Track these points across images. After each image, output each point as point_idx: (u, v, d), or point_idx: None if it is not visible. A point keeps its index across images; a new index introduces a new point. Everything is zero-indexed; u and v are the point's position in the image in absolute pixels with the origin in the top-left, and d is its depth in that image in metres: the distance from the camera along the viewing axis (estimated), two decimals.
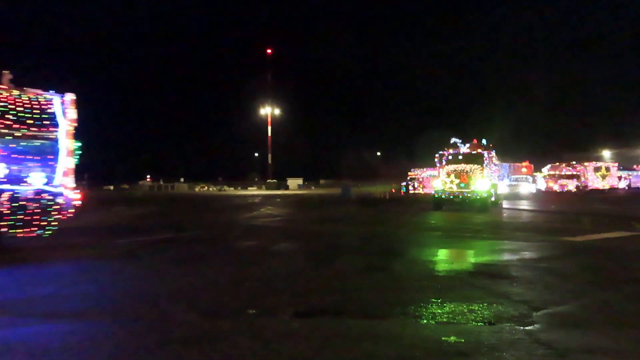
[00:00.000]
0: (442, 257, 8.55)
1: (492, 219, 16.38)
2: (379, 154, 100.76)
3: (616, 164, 46.25)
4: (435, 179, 21.46)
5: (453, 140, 21.82)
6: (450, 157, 21.23)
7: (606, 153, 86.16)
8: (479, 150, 21.21)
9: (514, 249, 9.32)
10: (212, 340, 4.14)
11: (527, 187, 36.87)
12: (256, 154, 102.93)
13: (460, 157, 21.09)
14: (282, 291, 5.94)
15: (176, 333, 4.35)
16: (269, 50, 70.89)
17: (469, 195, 19.44)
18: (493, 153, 22.00)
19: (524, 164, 42.88)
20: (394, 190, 42.97)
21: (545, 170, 43.21)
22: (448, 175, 20.14)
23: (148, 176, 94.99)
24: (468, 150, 21.44)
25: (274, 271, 7.35)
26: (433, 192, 20.90)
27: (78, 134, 10.02)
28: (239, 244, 10.76)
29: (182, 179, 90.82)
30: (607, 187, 40.82)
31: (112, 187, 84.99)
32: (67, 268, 7.87)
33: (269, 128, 69.57)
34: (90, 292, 6.03)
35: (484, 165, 20.35)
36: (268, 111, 69.29)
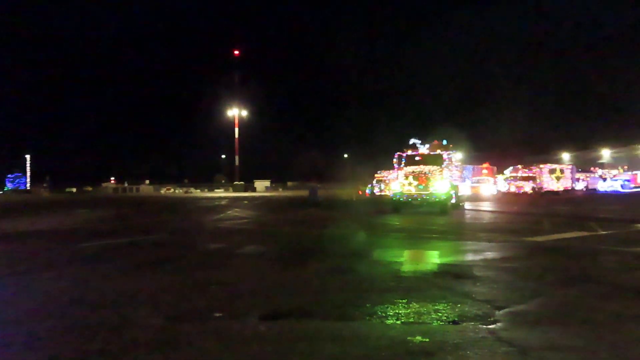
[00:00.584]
0: (408, 258, 8.65)
1: (454, 220, 16.69)
2: (346, 155, 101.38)
3: (570, 166, 47.78)
4: (393, 181, 21.04)
5: (412, 141, 21.17)
6: (408, 159, 20.59)
7: (565, 155, 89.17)
8: (438, 151, 20.54)
9: (477, 249, 9.52)
10: (177, 345, 4.07)
11: (488, 189, 37.27)
12: (223, 156, 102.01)
13: (419, 158, 20.43)
14: (249, 294, 5.89)
15: (140, 338, 4.25)
16: (236, 52, 70.39)
17: (427, 197, 18.99)
18: (453, 154, 21.43)
19: (484, 165, 43.72)
20: (360, 192, 43.29)
21: (507, 172, 44.31)
22: (406, 177, 19.63)
23: (112, 178, 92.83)
24: (427, 151, 20.80)
25: (241, 274, 7.29)
26: (391, 195, 20.30)
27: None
28: (205, 247, 10.62)
29: (147, 181, 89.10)
30: (561, 188, 41.93)
31: (74, 190, 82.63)
32: (21, 273, 7.59)
33: (236, 130, 69.02)
34: (50, 296, 5.84)
35: (443, 166, 19.75)
36: (235, 113, 68.72)
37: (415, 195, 19.26)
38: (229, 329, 4.51)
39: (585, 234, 11.81)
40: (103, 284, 6.64)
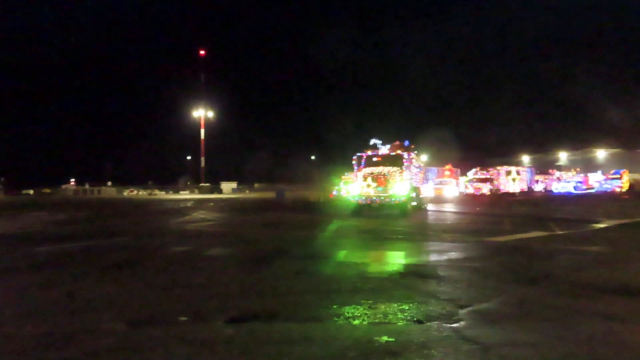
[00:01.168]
0: (374, 259, 8.75)
1: (418, 222, 16.95)
2: (313, 157, 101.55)
3: (526, 168, 49.29)
4: (352, 183, 19.87)
5: (373, 141, 20.50)
6: (368, 160, 19.87)
7: (525, 158, 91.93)
8: (399, 152, 19.85)
9: (442, 250, 9.71)
10: (141, 350, 3.99)
11: (451, 191, 37.59)
12: (188, 157, 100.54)
13: (378, 159, 19.71)
14: (215, 297, 5.83)
15: (101, 343, 4.15)
16: (202, 52, 69.56)
17: (386, 199, 18.33)
18: (414, 155, 20.82)
19: (446, 167, 44.41)
20: (328, 194, 43.44)
21: (470, 174, 45.29)
22: (365, 178, 18.90)
23: (72, 180, 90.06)
24: (387, 152, 20.11)
25: (206, 277, 7.20)
26: (349, 197, 19.37)
27: None
28: (169, 250, 10.44)
29: (109, 183, 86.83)
30: (517, 190, 42.99)
31: (32, 192, 79.81)
32: None
33: (202, 131, 68.18)
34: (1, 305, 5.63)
35: (403, 167, 19.10)
36: (201, 114, 67.87)
37: (374, 198, 18.55)
38: (194, 333, 4.46)
39: (544, 234, 12.21)
40: (59, 290, 6.43)
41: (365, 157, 19.96)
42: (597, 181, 54.88)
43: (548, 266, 7.87)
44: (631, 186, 54.01)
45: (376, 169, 19.11)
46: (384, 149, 20.29)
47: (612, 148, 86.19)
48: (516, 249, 9.86)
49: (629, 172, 56.83)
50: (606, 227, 13.94)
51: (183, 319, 4.92)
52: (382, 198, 18.39)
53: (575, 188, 50.71)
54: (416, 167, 21.24)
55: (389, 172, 18.76)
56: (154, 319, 4.94)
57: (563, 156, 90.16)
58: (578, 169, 62.35)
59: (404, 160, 19.34)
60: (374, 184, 18.54)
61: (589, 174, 58.01)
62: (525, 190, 44.89)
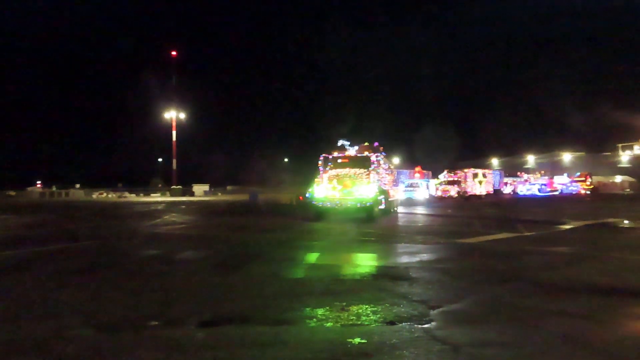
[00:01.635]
0: (347, 262, 8.78)
1: (385, 225, 17.10)
2: (286, 160, 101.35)
3: (492, 171, 50.18)
4: (316, 185, 18.66)
5: (340, 142, 19.71)
6: (334, 161, 19.05)
7: (495, 161, 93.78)
8: (366, 153, 19.09)
9: (413, 251, 9.81)
10: (111, 355, 3.91)
11: (421, 193, 37.20)
12: (160, 159, 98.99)
13: (344, 160, 18.95)
14: (187, 301, 5.76)
15: (69, 350, 4.05)
16: (173, 53, 68.64)
17: (352, 202, 17.43)
18: (382, 156, 20.15)
19: (416, 169, 44.64)
20: (301, 197, 43.36)
21: (442, 177, 45.92)
22: (329, 180, 18.09)
23: (38, 182, 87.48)
24: (354, 153, 19.39)
25: (178, 280, 7.11)
26: (313, 201, 18.31)
27: None
28: (140, 253, 10.26)
29: (77, 185, 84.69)
30: (484, 192, 43.72)
31: None
32: None
33: (174, 133, 67.25)
34: None
35: (371, 169, 18.43)
36: (173, 115, 66.95)
37: (339, 201, 17.59)
38: (165, 337, 4.39)
39: (512, 235, 12.48)
40: (24, 295, 6.25)
41: (331, 158, 19.19)
42: (563, 184, 56.46)
43: (517, 267, 8.05)
44: (595, 188, 55.76)
45: (342, 171, 18.45)
46: (352, 151, 19.64)
47: (578, 151, 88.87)
48: (486, 250, 10.04)
49: (593, 175, 58.64)
50: (572, 228, 14.35)
51: (153, 323, 4.84)
52: (348, 201, 17.53)
53: (539, 190, 52.12)
54: (385, 169, 20.64)
55: (355, 174, 18.15)
56: (123, 323, 4.84)
57: (531, 159, 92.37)
58: (542, 172, 63.93)
59: (372, 161, 18.72)
60: (339, 187, 17.77)
61: (555, 177, 59.68)
62: (492, 192, 45.69)
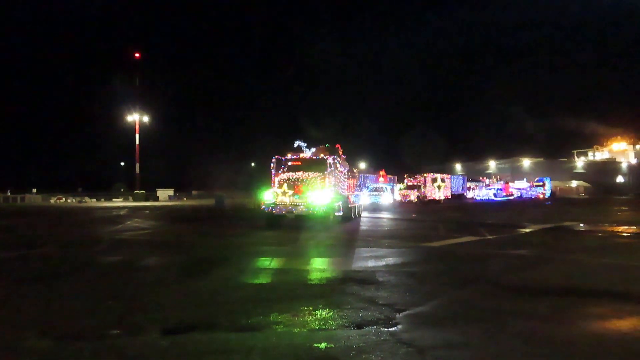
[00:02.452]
0: (314, 266, 8.77)
1: (353, 229, 17.19)
2: (253, 164, 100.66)
3: (450, 176, 50.33)
4: (266, 191, 17.13)
5: (297, 143, 18.44)
6: (287, 164, 17.74)
7: (458, 166, 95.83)
8: (322, 156, 17.73)
9: (380, 255, 9.88)
10: None
11: (385, 198, 36.25)
12: (122, 163, 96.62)
13: (297, 163, 17.58)
14: (149, 308, 5.62)
15: None
16: (136, 54, 67.18)
17: (304, 209, 16.04)
18: (342, 159, 18.95)
19: (380, 173, 44.16)
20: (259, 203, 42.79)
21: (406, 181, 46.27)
22: (280, 185, 16.61)
23: None
24: (309, 156, 18.07)
25: (140, 287, 6.92)
26: (263, 206, 16.76)
27: None
28: (100, 260, 9.95)
29: (34, 190, 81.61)
30: (442, 197, 44.18)
31: None
32: None
33: (137, 136, 65.75)
34: None
35: (327, 172, 16.98)
36: (136, 118, 65.48)
37: (290, 207, 16.21)
38: (127, 346, 4.26)
39: (475, 238, 12.75)
40: None
41: (284, 160, 17.84)
42: (522, 188, 58.15)
43: (480, 269, 8.23)
44: (553, 193, 57.69)
45: (294, 175, 16.91)
46: (308, 153, 18.35)
47: (536, 157, 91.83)
48: (450, 253, 10.24)
49: (551, 180, 60.67)
50: (531, 232, 14.78)
51: (115, 332, 4.69)
52: (299, 207, 16.10)
53: (495, 195, 53.18)
54: (344, 173, 19.28)
55: (308, 177, 16.63)
56: (82, 333, 4.68)
57: (493, 165, 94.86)
58: (498, 177, 65.48)
59: (328, 165, 17.32)
60: (290, 192, 16.26)
61: (515, 181, 61.41)
62: (449, 197, 46.23)
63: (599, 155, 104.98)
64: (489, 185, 57.76)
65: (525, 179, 64.03)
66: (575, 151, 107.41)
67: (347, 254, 10.26)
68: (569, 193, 76.01)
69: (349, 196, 19.54)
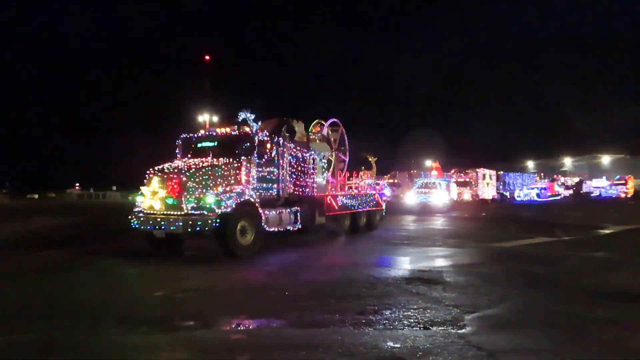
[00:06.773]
0: (380, 264, 8.71)
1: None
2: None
3: (500, 173, 42.84)
4: (143, 188, 9.89)
5: (242, 115, 10.96)
6: (194, 145, 11.04)
7: (530, 163, 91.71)
8: (245, 129, 10.67)
9: (447, 255, 9.67)
10: None
11: (438, 196, 27.51)
12: None
13: (208, 144, 10.91)
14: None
15: None
16: (207, 57, 69.57)
17: (173, 222, 8.99)
18: (286, 134, 11.44)
19: (433, 164, 36.42)
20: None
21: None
22: (149, 180, 9.72)
23: (77, 184, 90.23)
24: (223, 132, 10.94)
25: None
26: (130, 217, 9.76)
27: None
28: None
29: (114, 187, 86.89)
30: (489, 197, 37.54)
31: (36, 196, 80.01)
32: None
33: None
34: None
35: (242, 158, 10.09)
36: (206, 118, 67.96)
37: (159, 219, 9.22)
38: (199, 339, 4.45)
39: (548, 239, 12.16)
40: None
41: (194, 140, 11.14)
42: (601, 187, 54.52)
43: (553, 272, 7.84)
44: (637, 192, 53.68)
45: (190, 163, 10.02)
46: (228, 128, 10.98)
47: (617, 154, 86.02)
48: (522, 254, 9.83)
49: (634, 178, 56.56)
50: (612, 233, 13.88)
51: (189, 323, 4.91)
52: (169, 220, 9.13)
53: (538, 195, 46.06)
54: (303, 160, 12.08)
55: (196, 167, 9.72)
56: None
57: (568, 162, 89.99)
58: (542, 174, 59.78)
59: (253, 144, 10.36)
60: (162, 192, 9.46)
61: (593, 179, 57.67)
62: (495, 197, 39.00)
63: None
64: (564, 183, 54.28)
65: (605, 177, 60.08)
66: None
67: (415, 252, 10.06)
68: None
69: (330, 198, 12.70)
